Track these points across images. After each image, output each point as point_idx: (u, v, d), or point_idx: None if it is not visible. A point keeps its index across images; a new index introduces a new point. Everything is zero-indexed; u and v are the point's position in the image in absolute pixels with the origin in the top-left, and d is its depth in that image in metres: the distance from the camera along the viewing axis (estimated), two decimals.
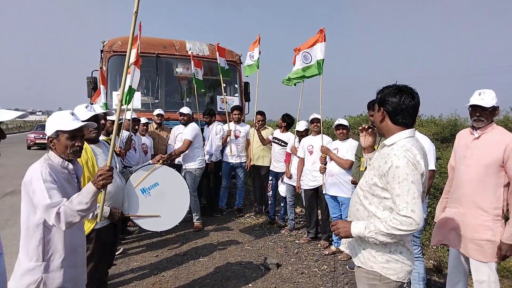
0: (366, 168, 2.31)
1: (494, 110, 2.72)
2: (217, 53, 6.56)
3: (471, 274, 2.85)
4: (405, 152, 1.86)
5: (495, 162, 2.64)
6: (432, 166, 3.23)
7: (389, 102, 1.99)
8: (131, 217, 3.40)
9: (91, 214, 2.64)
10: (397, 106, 1.96)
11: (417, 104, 1.99)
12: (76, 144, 2.12)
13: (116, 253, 4.44)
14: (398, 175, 1.82)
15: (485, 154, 2.69)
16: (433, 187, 5.58)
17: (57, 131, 2.09)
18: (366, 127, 2.39)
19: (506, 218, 2.72)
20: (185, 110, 5.88)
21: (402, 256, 1.96)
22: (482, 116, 2.72)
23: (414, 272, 3.35)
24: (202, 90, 7.26)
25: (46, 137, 2.16)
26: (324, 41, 5.14)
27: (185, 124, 5.83)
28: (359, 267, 2.09)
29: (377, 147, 2.21)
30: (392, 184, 1.84)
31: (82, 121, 2.20)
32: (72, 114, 2.16)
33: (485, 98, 2.68)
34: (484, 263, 2.69)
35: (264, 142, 6.30)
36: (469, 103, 2.77)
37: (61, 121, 2.09)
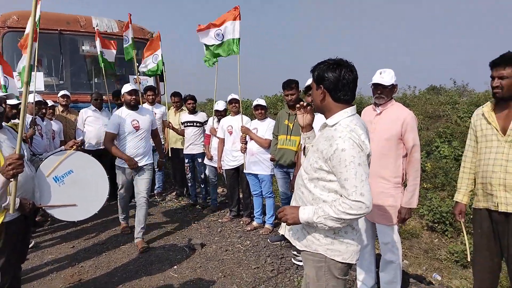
0: (304, 148, 2.27)
1: (393, 87, 3.02)
2: (130, 26, 6.26)
3: (378, 238, 3.20)
4: (349, 133, 1.78)
5: (394, 135, 2.94)
6: None
7: (328, 78, 1.87)
8: (43, 207, 3.15)
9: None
10: (337, 82, 1.86)
11: (356, 77, 1.90)
12: None
13: (28, 247, 4.12)
14: (344, 159, 1.75)
15: (386, 128, 2.98)
16: None
17: None
18: (305, 104, 2.26)
19: (405, 185, 3.07)
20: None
21: (347, 236, 1.91)
22: (383, 93, 3.00)
23: None
24: (113, 73, 6.87)
25: None
26: (239, 19, 5.17)
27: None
28: (303, 250, 2.04)
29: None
30: (338, 168, 1.77)
31: None
32: None
33: (385, 77, 2.96)
34: (388, 226, 3.03)
35: (181, 132, 6.21)
36: (371, 81, 3.03)
37: None
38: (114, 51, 6.54)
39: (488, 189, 2.55)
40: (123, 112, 4.48)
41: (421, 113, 10.37)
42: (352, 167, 1.73)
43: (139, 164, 4.48)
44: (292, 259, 4.05)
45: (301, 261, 3.85)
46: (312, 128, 2.26)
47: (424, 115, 10.36)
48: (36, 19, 4.39)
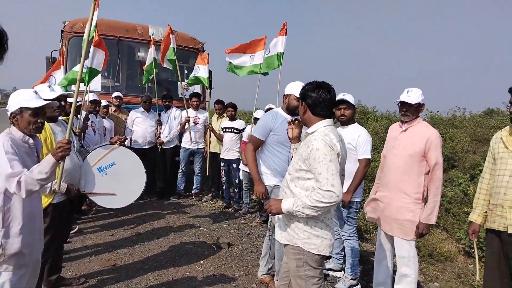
0: (292, 157, 2.57)
1: (419, 106, 3.09)
2: (170, 35, 6.37)
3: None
4: (323, 137, 2.17)
5: (418, 152, 3.01)
6: (368, 155, 3.60)
7: (309, 97, 2.30)
8: (87, 194, 3.53)
9: (48, 189, 2.79)
10: (316, 100, 2.28)
11: (333, 97, 2.32)
12: (38, 120, 2.27)
13: (72, 231, 4.55)
14: (318, 156, 2.13)
15: (410, 145, 3.06)
16: None
17: (21, 108, 2.22)
18: (294, 119, 2.66)
19: (426, 202, 3.11)
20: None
21: (321, 231, 2.26)
22: (409, 111, 3.08)
23: (348, 249, 3.73)
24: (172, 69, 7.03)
25: (9, 113, 2.28)
26: (285, 35, 5.40)
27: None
28: (286, 244, 2.38)
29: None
30: (313, 164, 2.14)
31: (45, 100, 2.35)
32: (35, 92, 2.30)
33: (412, 96, 3.05)
34: (406, 241, 3.08)
35: (220, 137, 6.51)
36: (398, 99, 3.13)
37: (25, 99, 2.23)
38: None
39: (499, 211, 2.57)
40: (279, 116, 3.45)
41: (469, 135, 10.00)
42: (324, 163, 2.10)
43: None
44: None
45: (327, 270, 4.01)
46: (300, 140, 2.58)
47: (472, 138, 9.98)
48: (93, 26, 4.84)
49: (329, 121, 2.32)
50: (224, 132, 6.39)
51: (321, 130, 2.25)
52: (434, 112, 14.07)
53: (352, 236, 3.72)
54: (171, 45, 6.32)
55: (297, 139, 2.63)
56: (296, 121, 2.63)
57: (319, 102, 2.27)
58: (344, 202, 3.57)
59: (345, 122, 3.73)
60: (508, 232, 2.49)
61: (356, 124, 3.78)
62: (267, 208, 2.37)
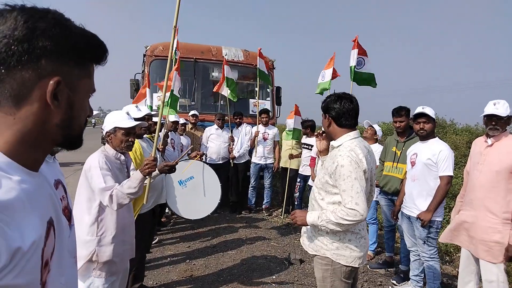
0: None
1: (508, 119, 2.88)
2: (258, 57, 6.79)
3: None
4: (348, 152, 2.14)
5: (505, 168, 2.80)
6: (450, 172, 3.40)
7: (332, 108, 2.29)
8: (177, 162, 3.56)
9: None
10: (339, 111, 2.26)
11: (356, 106, 2.29)
12: (130, 139, 2.50)
13: (153, 242, 4.86)
14: (343, 173, 2.11)
15: (497, 161, 2.85)
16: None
17: (115, 128, 2.47)
18: (321, 132, 2.59)
19: None
20: None
21: (350, 243, 2.23)
22: (498, 124, 2.89)
23: (429, 271, 3.52)
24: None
25: (104, 132, 2.54)
26: (356, 48, 5.34)
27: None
28: (314, 255, 2.36)
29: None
30: (339, 181, 2.13)
31: (135, 120, 2.58)
32: (127, 113, 2.54)
33: (500, 108, 2.85)
34: (493, 264, 2.85)
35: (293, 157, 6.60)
36: (483, 113, 2.93)
37: (118, 119, 2.48)
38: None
39: None
40: None
41: None
42: (349, 181, 2.09)
43: None
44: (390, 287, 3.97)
45: None
46: (328, 152, 2.50)
47: None
48: (173, 51, 5.21)
49: (355, 133, 2.29)
50: (303, 148, 6.52)
51: (347, 145, 2.21)
52: None
53: (433, 258, 3.51)
54: (260, 68, 6.79)
55: (326, 151, 2.56)
56: (324, 134, 2.56)
57: (343, 112, 2.26)
58: (424, 222, 3.40)
59: (425, 136, 3.57)
60: None
61: (437, 138, 3.60)
62: (292, 218, 2.38)
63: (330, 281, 2.28)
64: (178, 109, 7.15)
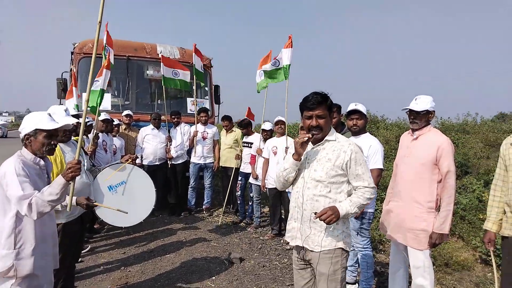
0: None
1: (428, 114, 3.06)
2: (194, 54, 6.64)
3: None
4: (352, 141, 2.42)
5: (430, 160, 2.97)
6: (380, 165, 3.57)
7: (333, 104, 2.44)
8: (97, 205, 3.41)
9: (59, 205, 2.80)
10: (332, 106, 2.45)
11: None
12: (52, 142, 2.31)
13: (84, 251, 4.59)
14: (359, 158, 2.34)
15: (422, 153, 3.02)
16: None
17: (36, 129, 2.26)
18: (311, 135, 2.38)
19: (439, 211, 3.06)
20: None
21: (348, 230, 2.43)
22: (416, 119, 3.06)
23: (362, 261, 3.68)
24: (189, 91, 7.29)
25: (22, 134, 2.31)
26: (291, 47, 5.44)
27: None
28: (321, 251, 2.30)
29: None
30: (356, 166, 2.32)
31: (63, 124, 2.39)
32: (49, 115, 2.34)
33: (419, 103, 3.03)
34: (420, 251, 3.02)
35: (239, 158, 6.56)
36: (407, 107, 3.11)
37: (40, 121, 2.27)
38: (188, 72, 6.83)
39: None
40: None
41: (482, 141, 9.86)
42: (365, 164, 2.36)
43: None
44: None
45: None
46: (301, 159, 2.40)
47: (484, 143, 9.83)
48: (98, 46, 5.00)
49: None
50: (243, 147, 6.51)
51: (342, 137, 2.44)
52: (444, 119, 13.95)
53: (366, 248, 3.67)
54: (196, 66, 6.68)
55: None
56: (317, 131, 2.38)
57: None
58: (357, 214, 3.53)
59: (357, 132, 3.72)
60: None
61: (368, 133, 3.77)
62: (326, 218, 2.19)
63: (340, 272, 2.33)
64: (111, 109, 6.86)
